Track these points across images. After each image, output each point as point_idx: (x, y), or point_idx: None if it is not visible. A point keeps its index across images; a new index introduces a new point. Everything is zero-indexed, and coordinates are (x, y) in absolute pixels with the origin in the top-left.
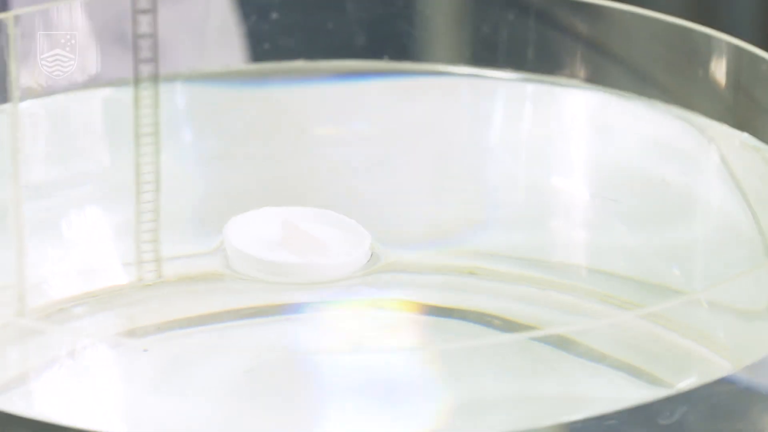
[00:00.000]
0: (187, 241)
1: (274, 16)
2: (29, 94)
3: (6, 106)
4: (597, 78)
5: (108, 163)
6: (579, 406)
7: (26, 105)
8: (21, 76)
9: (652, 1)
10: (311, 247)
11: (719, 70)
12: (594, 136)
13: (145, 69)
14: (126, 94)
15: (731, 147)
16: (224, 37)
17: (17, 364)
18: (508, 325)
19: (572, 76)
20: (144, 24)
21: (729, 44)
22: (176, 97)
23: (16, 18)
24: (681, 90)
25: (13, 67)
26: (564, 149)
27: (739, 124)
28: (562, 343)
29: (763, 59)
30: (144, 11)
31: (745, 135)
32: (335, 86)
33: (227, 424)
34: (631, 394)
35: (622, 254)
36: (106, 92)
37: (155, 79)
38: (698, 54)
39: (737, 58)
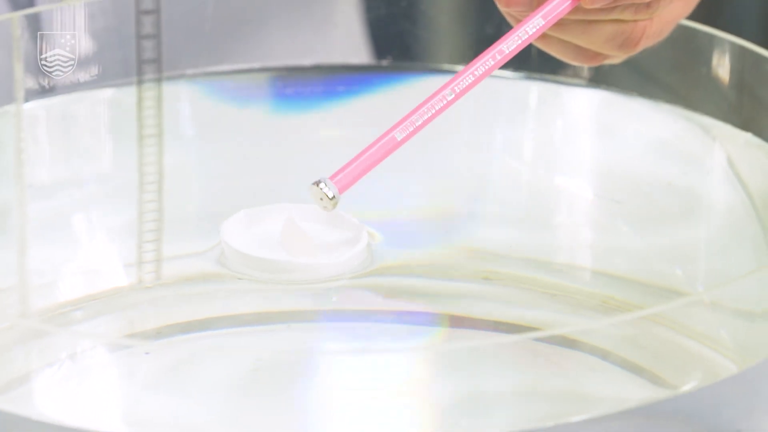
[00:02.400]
0: (189, 241)
1: (279, 17)
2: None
3: (10, 107)
4: (601, 78)
5: (111, 164)
6: (583, 405)
7: (30, 106)
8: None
9: None
10: (307, 247)
11: (723, 69)
12: (598, 136)
13: (149, 69)
14: (129, 94)
15: (735, 146)
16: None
17: (19, 366)
18: (516, 329)
19: (576, 75)
20: (147, 25)
21: (733, 44)
22: (179, 97)
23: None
24: (685, 90)
25: (17, 68)
26: (568, 149)
27: (744, 124)
28: (566, 343)
29: (766, 59)
30: (147, 12)
31: (749, 134)
32: (340, 86)
33: (229, 424)
34: (635, 394)
35: (626, 256)
36: (109, 93)
37: (158, 79)
38: (702, 54)
39: (741, 58)
